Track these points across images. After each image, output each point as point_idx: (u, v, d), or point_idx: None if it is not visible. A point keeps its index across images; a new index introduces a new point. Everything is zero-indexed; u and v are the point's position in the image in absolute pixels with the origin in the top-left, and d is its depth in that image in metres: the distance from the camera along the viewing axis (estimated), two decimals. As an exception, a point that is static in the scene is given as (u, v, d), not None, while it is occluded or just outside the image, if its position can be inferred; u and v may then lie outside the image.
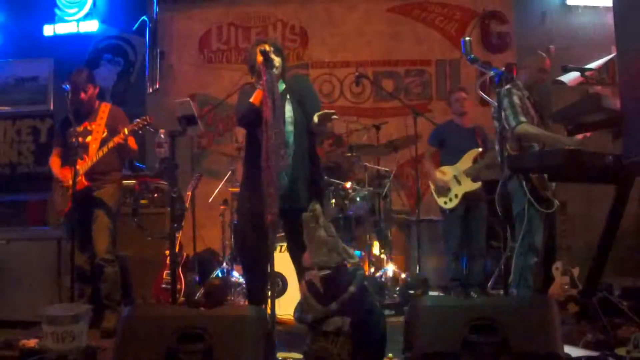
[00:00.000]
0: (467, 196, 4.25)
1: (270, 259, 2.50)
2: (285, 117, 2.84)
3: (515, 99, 3.37)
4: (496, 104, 2.92)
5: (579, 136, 3.20)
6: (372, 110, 5.65)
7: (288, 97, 2.92)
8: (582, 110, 2.85)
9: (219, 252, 4.77)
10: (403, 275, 4.46)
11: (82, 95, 3.58)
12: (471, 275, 4.27)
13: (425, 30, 5.69)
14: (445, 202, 4.33)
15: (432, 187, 4.46)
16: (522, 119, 3.32)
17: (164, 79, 5.72)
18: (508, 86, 3.46)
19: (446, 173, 4.34)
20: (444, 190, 4.33)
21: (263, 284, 2.90)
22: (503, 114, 3.37)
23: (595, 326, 2.98)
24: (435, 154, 4.58)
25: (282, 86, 2.99)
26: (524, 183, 3.26)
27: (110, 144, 3.44)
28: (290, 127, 2.85)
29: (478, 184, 4.26)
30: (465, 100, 4.43)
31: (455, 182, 4.29)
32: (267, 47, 2.80)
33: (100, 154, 3.46)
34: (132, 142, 3.52)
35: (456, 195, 4.27)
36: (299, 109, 2.93)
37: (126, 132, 3.43)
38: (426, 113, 4.84)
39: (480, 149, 4.34)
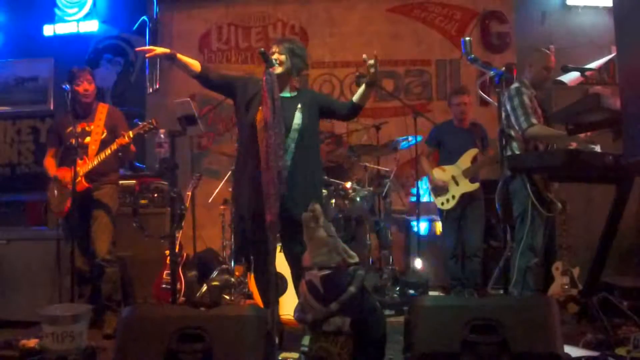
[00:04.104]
0: (464, 196, 4.25)
1: (272, 259, 2.50)
2: (292, 124, 2.83)
3: (526, 99, 3.36)
4: (496, 104, 2.92)
5: (582, 135, 3.20)
6: (372, 110, 5.64)
7: (299, 105, 2.89)
8: (582, 110, 2.85)
9: (219, 252, 4.77)
10: (403, 276, 4.46)
11: (86, 85, 3.56)
12: (467, 276, 4.27)
13: (425, 30, 5.69)
14: (443, 203, 4.33)
15: (429, 187, 4.45)
16: (534, 120, 3.31)
17: (164, 79, 5.71)
18: (517, 85, 3.46)
19: (445, 171, 4.34)
20: (441, 191, 4.32)
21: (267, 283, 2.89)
22: (512, 113, 3.38)
23: (595, 326, 2.99)
24: (434, 154, 4.57)
25: (293, 93, 2.97)
26: (527, 184, 3.26)
27: (114, 146, 3.43)
28: (294, 135, 2.83)
29: (476, 185, 4.25)
30: (466, 106, 4.38)
31: (453, 182, 4.29)
32: (274, 48, 2.83)
33: (103, 156, 3.44)
34: (131, 145, 3.52)
35: (453, 196, 4.27)
36: (311, 117, 2.91)
37: (131, 135, 3.42)
38: (426, 113, 4.83)
39: (478, 149, 4.34)
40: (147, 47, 3.01)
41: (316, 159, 2.99)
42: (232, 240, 4.48)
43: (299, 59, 2.95)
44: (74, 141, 3.36)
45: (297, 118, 2.85)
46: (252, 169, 2.81)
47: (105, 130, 3.59)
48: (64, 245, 3.65)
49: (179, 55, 2.96)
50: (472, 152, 4.31)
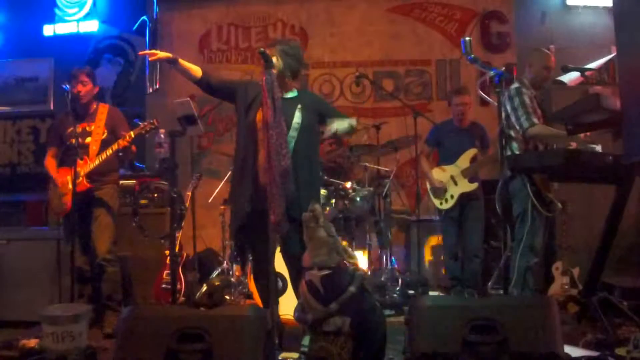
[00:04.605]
0: (463, 196, 4.25)
1: (271, 259, 2.50)
2: (292, 122, 2.82)
3: (526, 99, 3.36)
4: (496, 104, 2.92)
5: (581, 135, 3.20)
6: (372, 110, 5.65)
7: (299, 106, 2.89)
8: (582, 110, 2.85)
9: (219, 252, 4.78)
10: (403, 275, 4.46)
11: (80, 87, 3.56)
12: (467, 276, 4.28)
13: (425, 30, 5.69)
14: (441, 203, 4.33)
15: (428, 187, 4.46)
16: (535, 120, 3.31)
17: (164, 79, 5.71)
18: (517, 85, 3.45)
19: (445, 171, 4.34)
20: (440, 191, 4.32)
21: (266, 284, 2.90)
22: (513, 113, 3.38)
23: (595, 326, 2.99)
24: (433, 153, 4.58)
25: (293, 93, 2.97)
26: (527, 184, 3.26)
27: (115, 147, 3.43)
28: (294, 133, 2.82)
29: (475, 185, 4.25)
30: (466, 106, 4.37)
31: (452, 182, 4.29)
32: (270, 50, 2.82)
33: (104, 156, 3.45)
34: (132, 145, 3.52)
35: (452, 196, 4.27)
36: (311, 118, 2.90)
37: (132, 135, 3.42)
38: (426, 113, 4.84)
39: (477, 149, 4.34)
40: (150, 51, 3.00)
41: (315, 158, 2.99)
42: (232, 240, 4.48)
43: (292, 59, 2.91)
44: (74, 141, 3.36)
45: (297, 117, 2.85)
46: (252, 170, 2.81)
47: (105, 131, 3.59)
48: (64, 245, 3.66)
49: (181, 60, 2.95)
50: (471, 152, 4.31)
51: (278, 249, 3.19)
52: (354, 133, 2.94)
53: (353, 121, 2.89)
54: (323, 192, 4.14)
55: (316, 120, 2.95)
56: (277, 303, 2.98)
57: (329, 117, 2.97)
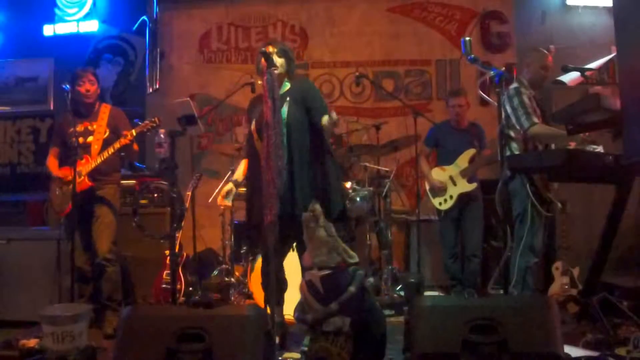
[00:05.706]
0: (462, 196, 4.26)
1: (270, 259, 2.50)
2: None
3: (525, 99, 3.37)
4: (496, 104, 2.92)
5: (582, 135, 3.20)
6: (372, 110, 5.65)
7: (288, 99, 2.90)
8: (582, 110, 2.85)
9: (219, 252, 4.78)
10: (403, 275, 4.46)
11: (88, 85, 3.58)
12: (466, 276, 4.27)
13: (425, 30, 5.69)
14: (440, 203, 4.34)
15: (427, 187, 4.46)
16: (535, 120, 3.31)
17: (164, 79, 5.71)
18: (515, 85, 3.46)
19: (444, 171, 4.35)
20: (439, 191, 4.33)
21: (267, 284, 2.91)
22: (513, 114, 3.38)
23: (595, 326, 2.99)
24: (432, 154, 4.58)
25: (285, 87, 2.98)
26: (527, 184, 3.26)
27: (117, 145, 3.44)
28: (282, 130, 2.82)
29: (474, 185, 4.25)
30: (461, 108, 4.38)
31: (451, 182, 4.29)
32: (270, 49, 2.82)
33: (105, 154, 3.46)
34: (134, 144, 3.53)
35: (451, 197, 4.28)
36: (298, 111, 2.91)
37: (134, 133, 3.43)
38: (426, 113, 4.82)
39: (476, 150, 4.34)
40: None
41: (313, 156, 2.94)
42: (232, 240, 4.48)
43: (289, 58, 2.99)
44: (74, 140, 3.37)
45: (283, 113, 2.85)
46: (258, 174, 2.82)
47: (107, 130, 3.60)
48: (64, 245, 3.65)
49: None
50: (470, 152, 4.31)
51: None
52: (335, 127, 2.92)
53: (333, 115, 2.83)
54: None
55: (305, 116, 2.93)
56: (281, 303, 2.98)
57: (312, 109, 2.94)
